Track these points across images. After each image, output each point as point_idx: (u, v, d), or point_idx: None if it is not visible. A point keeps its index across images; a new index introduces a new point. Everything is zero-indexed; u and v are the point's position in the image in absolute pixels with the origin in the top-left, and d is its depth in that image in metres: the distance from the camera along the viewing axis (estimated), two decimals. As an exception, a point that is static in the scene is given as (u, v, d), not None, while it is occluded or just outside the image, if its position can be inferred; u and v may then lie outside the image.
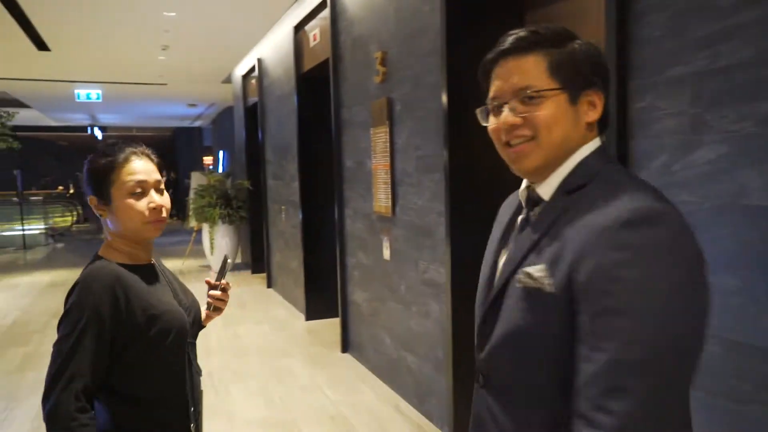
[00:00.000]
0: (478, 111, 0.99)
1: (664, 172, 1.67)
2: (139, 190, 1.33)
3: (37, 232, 12.87)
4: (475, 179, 2.80)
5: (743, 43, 1.43)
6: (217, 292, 1.59)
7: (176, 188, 18.26)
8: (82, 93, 9.84)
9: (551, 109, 0.89)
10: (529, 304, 0.87)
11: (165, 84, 9.30)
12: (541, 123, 0.89)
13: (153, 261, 1.46)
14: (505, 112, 0.91)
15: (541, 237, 0.89)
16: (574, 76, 0.90)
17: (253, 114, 7.27)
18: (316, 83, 5.06)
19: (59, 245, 11.88)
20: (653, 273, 0.77)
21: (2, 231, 12.80)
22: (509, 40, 0.92)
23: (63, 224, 14.93)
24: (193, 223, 8.42)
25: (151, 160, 1.39)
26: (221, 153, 14.36)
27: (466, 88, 2.72)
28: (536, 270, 0.87)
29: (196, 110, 13.52)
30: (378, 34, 3.52)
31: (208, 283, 1.61)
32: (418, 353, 3.28)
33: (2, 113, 9.91)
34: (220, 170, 13.27)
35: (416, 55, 3.05)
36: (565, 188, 0.91)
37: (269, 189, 6.78)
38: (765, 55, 1.38)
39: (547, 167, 0.92)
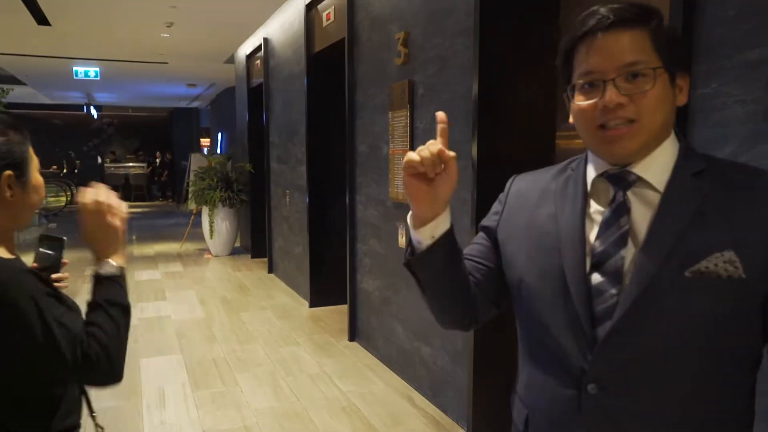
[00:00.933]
0: (567, 88, 0.90)
1: (729, 163, 1.57)
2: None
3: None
4: (504, 167, 2.68)
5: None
6: (64, 275, 1.37)
7: (172, 170, 18.05)
8: (80, 70, 9.63)
9: (659, 89, 0.83)
10: (713, 294, 0.81)
11: (166, 63, 9.10)
12: (649, 104, 0.82)
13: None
14: (610, 90, 0.82)
15: (691, 223, 0.83)
16: (672, 56, 0.84)
17: (257, 95, 7.12)
18: (328, 64, 4.91)
19: (52, 225, 11.69)
20: None
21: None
22: (606, 13, 0.84)
23: (56, 204, 14.71)
24: (192, 205, 8.27)
25: None
26: (219, 135, 14.17)
27: (499, 72, 2.61)
28: (727, 258, 0.80)
29: (195, 91, 13.30)
30: (400, 14, 3.38)
31: (36, 267, 1.31)
32: (434, 344, 3.19)
33: (-3, 89, 9.68)
34: (218, 152, 13.09)
35: (443, 35, 2.92)
36: (688, 171, 0.86)
37: (273, 172, 6.64)
38: None
39: (642, 151, 0.86)
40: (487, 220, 1.08)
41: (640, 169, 0.87)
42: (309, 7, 4.99)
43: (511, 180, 1.08)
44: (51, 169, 17.51)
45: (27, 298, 1.07)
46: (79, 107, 16.65)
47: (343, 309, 4.63)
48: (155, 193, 18.47)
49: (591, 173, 0.92)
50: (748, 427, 0.89)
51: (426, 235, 0.92)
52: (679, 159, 0.87)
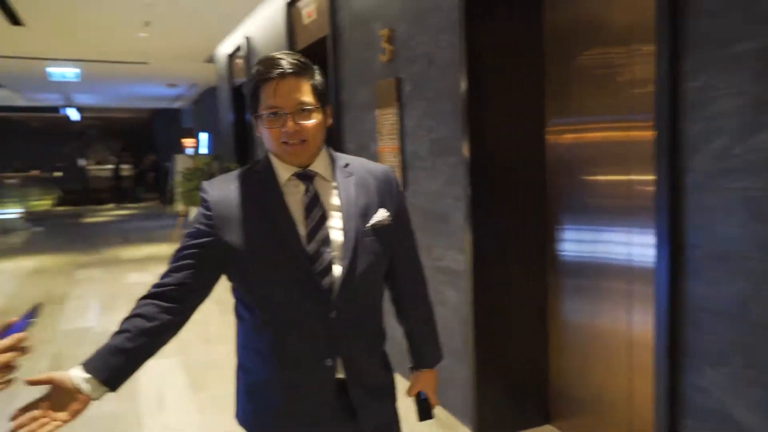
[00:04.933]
0: (254, 117, 1.25)
1: (722, 157, 1.58)
2: None
3: (15, 216, 12.50)
4: (496, 163, 2.69)
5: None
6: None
7: (157, 171, 17.86)
8: (56, 71, 9.45)
9: (316, 121, 1.24)
10: (380, 238, 1.30)
11: (145, 63, 8.98)
12: (312, 130, 1.23)
13: None
14: (290, 121, 1.20)
15: (357, 195, 1.28)
16: (321, 96, 1.25)
17: (241, 94, 7.05)
18: (312, 62, 4.87)
19: (38, 229, 11.55)
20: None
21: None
22: (285, 64, 1.20)
23: (39, 207, 14.51)
24: (180, 207, 8.21)
25: None
26: (205, 135, 14.02)
27: (487, 67, 2.61)
28: (383, 213, 1.31)
29: (176, 91, 13.14)
30: (382, 11, 3.36)
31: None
32: (431, 340, 3.19)
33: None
34: (204, 152, 12.97)
35: (428, 32, 2.91)
36: (341, 165, 1.32)
37: (260, 171, 6.59)
38: None
39: (312, 158, 1.29)
40: (201, 233, 1.26)
41: (315, 167, 1.29)
42: (290, 5, 4.94)
43: (205, 191, 1.28)
44: (31, 173, 17.25)
45: None
46: (56, 109, 16.27)
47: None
48: (140, 196, 18.25)
49: (282, 174, 1.28)
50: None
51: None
52: (331, 159, 1.33)
